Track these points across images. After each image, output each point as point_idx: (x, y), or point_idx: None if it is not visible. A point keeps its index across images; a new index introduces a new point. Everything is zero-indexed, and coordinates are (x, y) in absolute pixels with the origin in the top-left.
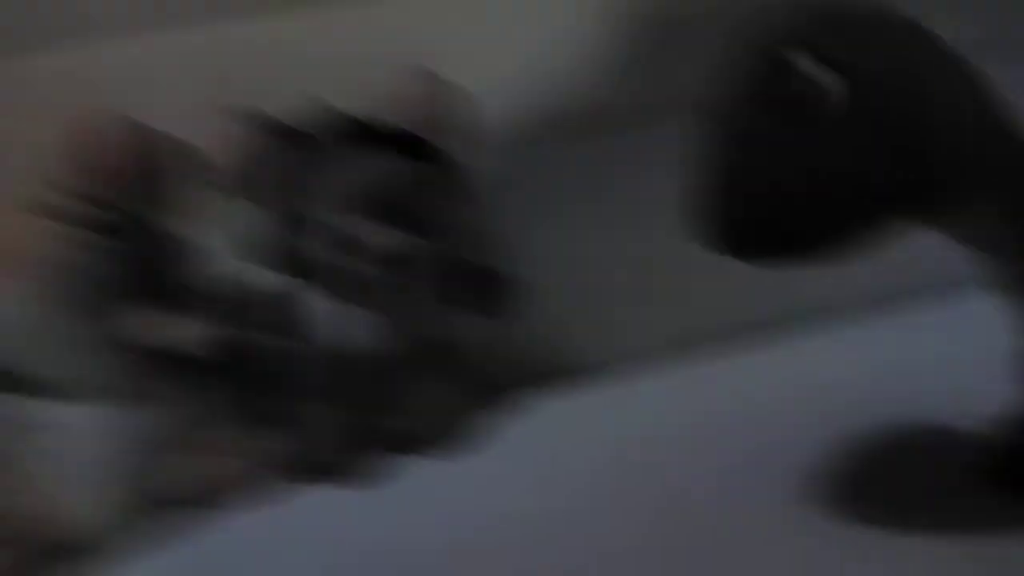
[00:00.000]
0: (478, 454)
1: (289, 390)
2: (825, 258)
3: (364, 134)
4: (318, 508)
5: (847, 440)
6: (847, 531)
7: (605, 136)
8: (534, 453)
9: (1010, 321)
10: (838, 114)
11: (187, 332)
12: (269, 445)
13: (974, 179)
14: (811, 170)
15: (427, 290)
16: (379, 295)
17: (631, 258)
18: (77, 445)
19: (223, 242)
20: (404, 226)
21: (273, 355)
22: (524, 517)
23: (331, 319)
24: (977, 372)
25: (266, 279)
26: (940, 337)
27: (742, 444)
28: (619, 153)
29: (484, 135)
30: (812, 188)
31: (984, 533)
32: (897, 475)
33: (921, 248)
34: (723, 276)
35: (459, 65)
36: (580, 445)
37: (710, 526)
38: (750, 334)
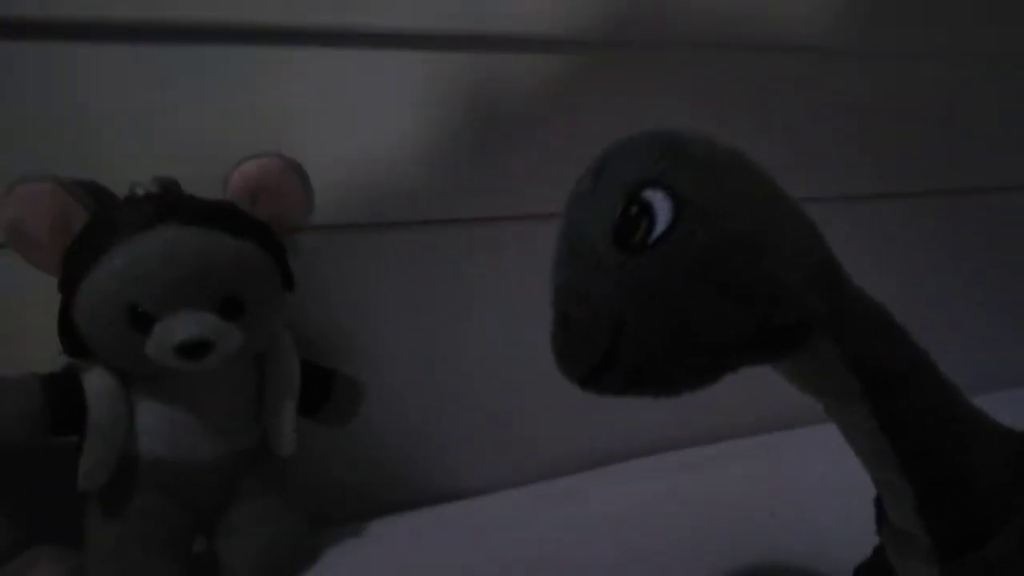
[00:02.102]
0: None
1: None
2: (666, 392)
3: (193, 209)
4: None
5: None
6: None
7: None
8: None
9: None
10: (682, 252)
11: None
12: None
13: (812, 322)
14: (650, 308)
15: (246, 387)
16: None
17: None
18: None
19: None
20: (226, 311)
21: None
22: None
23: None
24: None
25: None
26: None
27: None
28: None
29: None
30: (652, 326)
31: None
32: None
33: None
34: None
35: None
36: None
37: None
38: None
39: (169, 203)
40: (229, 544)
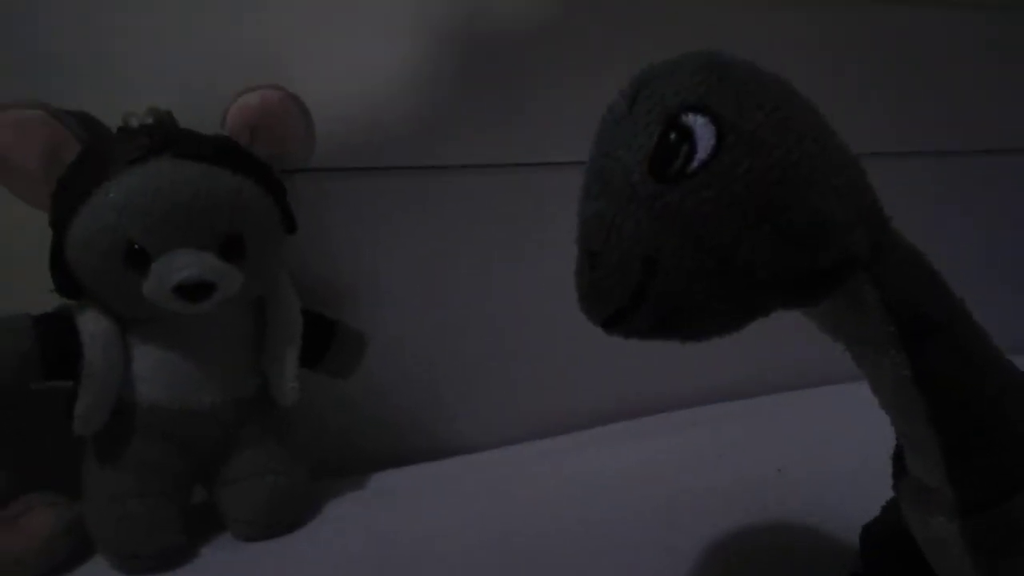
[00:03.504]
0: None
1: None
2: (693, 336)
3: (191, 143)
4: None
5: (728, 534)
6: None
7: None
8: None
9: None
10: (724, 181)
11: None
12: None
13: (855, 262)
14: (687, 242)
15: (246, 333)
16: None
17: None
18: None
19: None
20: (226, 252)
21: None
22: None
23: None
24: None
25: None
26: (840, 425)
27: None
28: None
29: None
30: (688, 263)
31: None
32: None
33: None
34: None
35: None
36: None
37: None
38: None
39: (165, 135)
40: (231, 493)
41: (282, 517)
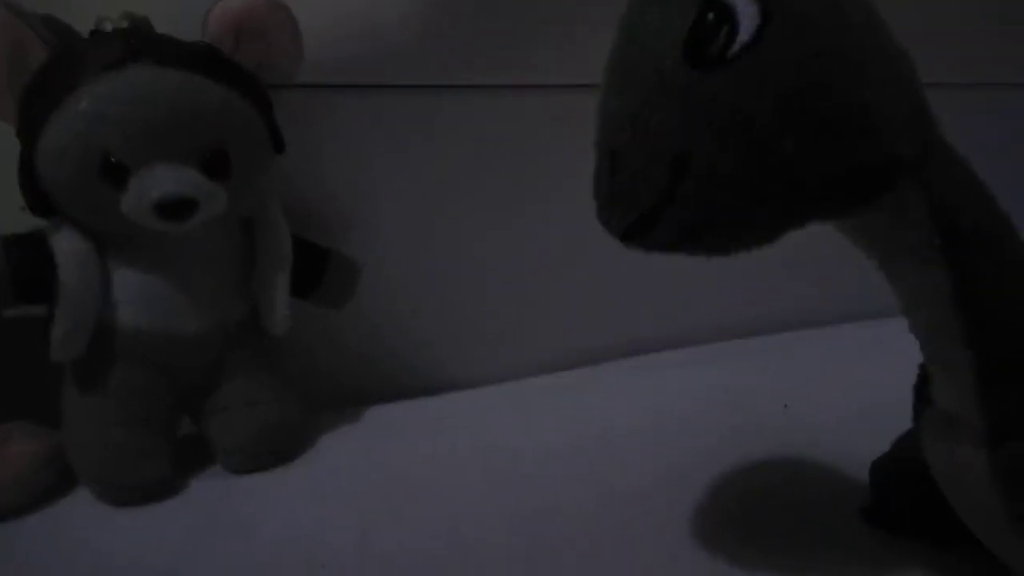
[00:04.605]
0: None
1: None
2: (722, 249)
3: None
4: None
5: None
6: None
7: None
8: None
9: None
10: (768, 67)
11: None
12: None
13: (903, 164)
14: (724, 136)
15: (232, 256)
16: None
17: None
18: None
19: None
20: (210, 168)
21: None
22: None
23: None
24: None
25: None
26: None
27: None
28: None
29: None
30: (724, 160)
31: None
32: (782, 512)
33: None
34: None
35: None
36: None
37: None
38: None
39: (142, 40)
40: (219, 423)
41: (272, 448)
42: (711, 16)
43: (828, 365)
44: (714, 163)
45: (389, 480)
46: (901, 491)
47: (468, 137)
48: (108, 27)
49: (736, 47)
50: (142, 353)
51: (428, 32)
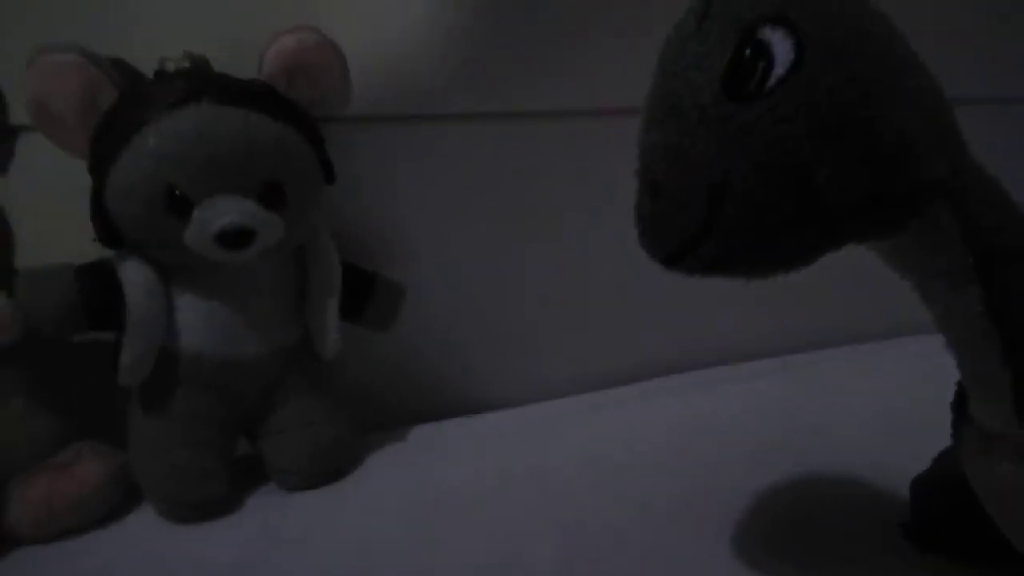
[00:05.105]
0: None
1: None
2: (761, 271)
3: (229, 88)
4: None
5: (776, 487)
6: None
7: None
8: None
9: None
10: (804, 98)
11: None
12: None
13: (936, 188)
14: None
15: (287, 283)
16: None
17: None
18: None
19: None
20: (267, 199)
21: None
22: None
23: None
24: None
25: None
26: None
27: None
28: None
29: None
30: (763, 187)
31: None
32: (818, 528)
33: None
34: None
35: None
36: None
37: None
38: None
39: (203, 80)
40: (275, 444)
41: (326, 467)
42: (748, 52)
43: (868, 381)
44: (752, 190)
45: (435, 497)
46: (941, 508)
47: (503, 164)
48: (171, 67)
49: (772, 81)
50: (203, 377)
51: (453, 65)
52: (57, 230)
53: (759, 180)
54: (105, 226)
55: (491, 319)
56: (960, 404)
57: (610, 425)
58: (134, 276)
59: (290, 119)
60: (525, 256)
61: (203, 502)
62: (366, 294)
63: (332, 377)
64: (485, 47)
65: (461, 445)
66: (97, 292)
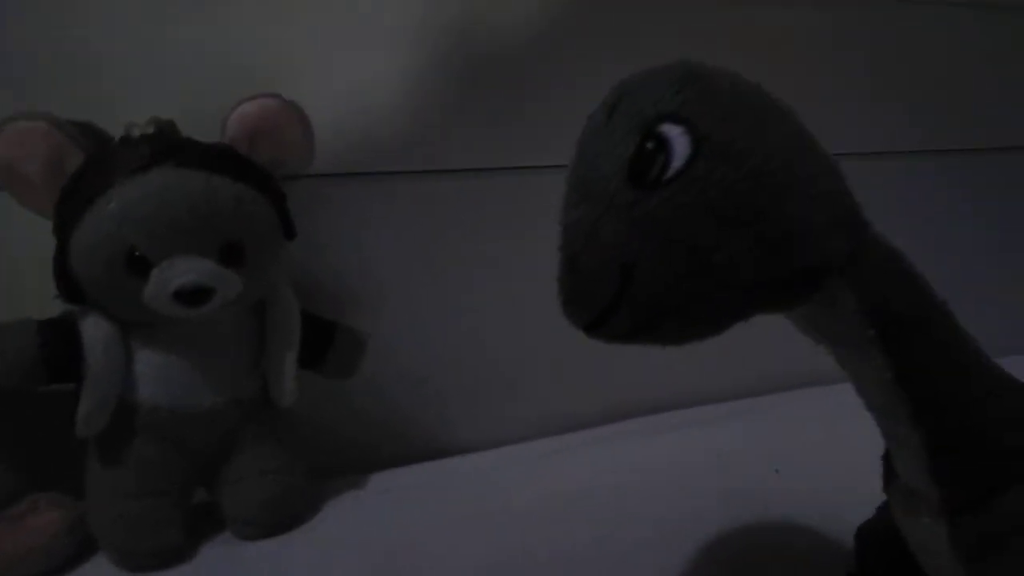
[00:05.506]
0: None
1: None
2: (673, 340)
3: (191, 152)
4: None
5: (730, 534)
6: None
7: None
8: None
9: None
10: (699, 189)
11: None
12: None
13: (831, 267)
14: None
15: (246, 336)
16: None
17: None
18: None
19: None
20: (226, 258)
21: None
22: None
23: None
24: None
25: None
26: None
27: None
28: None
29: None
30: (665, 268)
31: None
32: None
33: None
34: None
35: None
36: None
37: None
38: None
39: (166, 144)
40: (231, 493)
41: (282, 516)
42: (649, 145)
43: (817, 426)
44: (656, 270)
45: (393, 543)
46: (884, 557)
47: (463, 216)
48: (136, 132)
49: (671, 172)
50: (159, 428)
51: (419, 121)
52: (21, 286)
53: (661, 261)
54: (67, 284)
55: (458, 365)
56: (889, 459)
57: (573, 469)
58: (94, 331)
59: (251, 180)
60: (489, 303)
61: (158, 551)
62: (326, 344)
63: (293, 424)
64: (447, 108)
65: (419, 493)
66: (59, 347)
